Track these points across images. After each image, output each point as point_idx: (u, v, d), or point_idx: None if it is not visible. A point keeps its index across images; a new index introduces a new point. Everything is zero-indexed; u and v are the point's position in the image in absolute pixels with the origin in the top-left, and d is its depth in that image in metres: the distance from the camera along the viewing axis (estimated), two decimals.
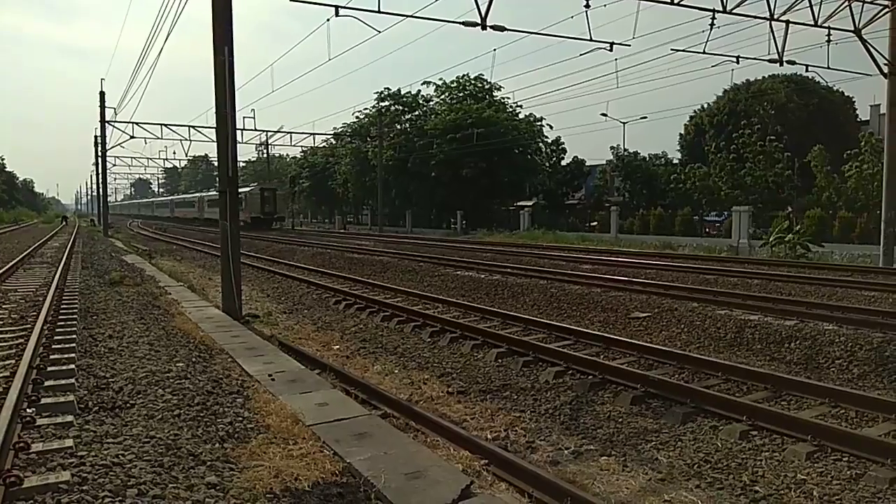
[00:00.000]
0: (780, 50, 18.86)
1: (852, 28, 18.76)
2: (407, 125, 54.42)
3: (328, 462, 4.34)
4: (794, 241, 23.19)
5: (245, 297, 12.53)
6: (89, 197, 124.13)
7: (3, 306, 10.65)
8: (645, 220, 36.36)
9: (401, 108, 54.83)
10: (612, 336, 9.76)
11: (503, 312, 11.93)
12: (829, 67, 20.15)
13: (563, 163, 50.65)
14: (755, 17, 18.13)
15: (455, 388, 7.90)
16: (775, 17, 18.01)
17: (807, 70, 21.34)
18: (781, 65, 19.53)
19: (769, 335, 9.65)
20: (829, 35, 18.76)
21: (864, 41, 19.06)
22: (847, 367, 8.36)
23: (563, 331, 10.24)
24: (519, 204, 46.90)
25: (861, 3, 18.35)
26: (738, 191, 33.30)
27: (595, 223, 40.36)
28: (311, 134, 61.76)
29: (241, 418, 5.21)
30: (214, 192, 48.65)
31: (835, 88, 40.01)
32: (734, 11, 17.43)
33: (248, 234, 33.21)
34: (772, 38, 18.77)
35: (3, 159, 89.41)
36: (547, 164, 50.48)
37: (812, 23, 18.15)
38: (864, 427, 6.19)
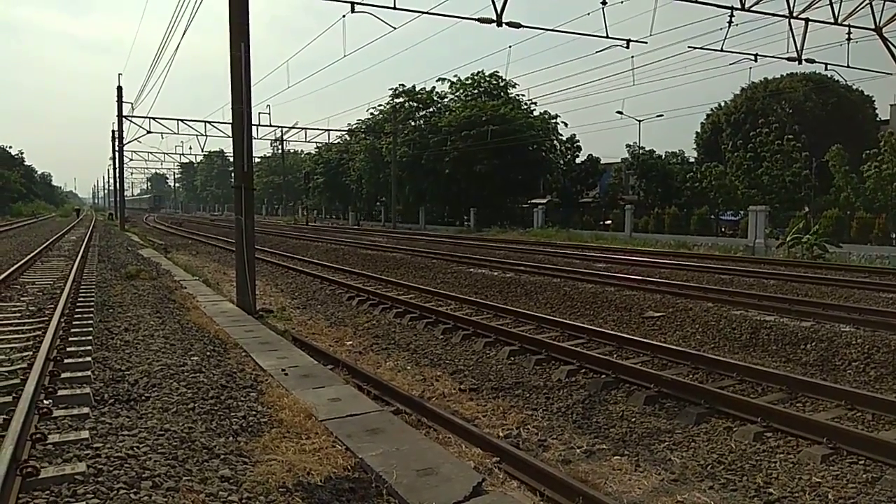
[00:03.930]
0: (798, 48, 18.68)
1: (873, 26, 18.50)
2: (421, 122, 54.33)
3: (341, 457, 4.35)
4: (812, 241, 22.94)
5: (259, 291, 12.60)
6: (106, 191, 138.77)
7: (21, 298, 10.77)
8: (660, 219, 36.08)
9: (415, 104, 54.74)
10: (625, 335, 9.70)
11: (516, 310, 11.91)
12: (848, 66, 19.94)
13: (578, 161, 50.34)
14: (774, 15, 17.96)
15: (467, 386, 7.91)
16: (794, 14, 17.82)
17: (826, 68, 21.13)
18: (800, 63, 19.33)
19: (785, 336, 9.57)
20: (849, 33, 18.52)
21: (884, 39, 18.80)
22: (864, 370, 8.27)
23: (577, 329, 10.20)
24: (533, 201, 46.74)
25: (882, 1, 18.10)
26: (755, 190, 32.97)
27: (609, 221, 40.10)
28: (325, 130, 62.36)
29: (254, 412, 5.23)
30: (144, 196, 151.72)
31: (854, 87, 39.49)
32: (753, 9, 17.24)
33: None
34: (791, 35, 18.62)
35: (21, 153, 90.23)
36: (561, 162, 50.19)
37: (832, 21, 17.92)
38: (880, 430, 6.11)
